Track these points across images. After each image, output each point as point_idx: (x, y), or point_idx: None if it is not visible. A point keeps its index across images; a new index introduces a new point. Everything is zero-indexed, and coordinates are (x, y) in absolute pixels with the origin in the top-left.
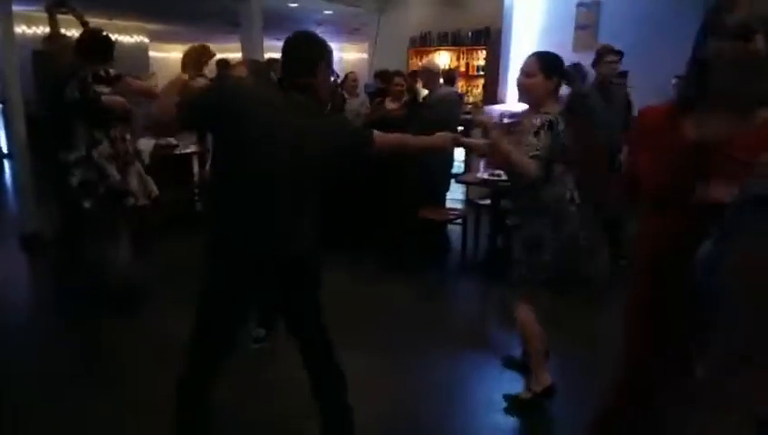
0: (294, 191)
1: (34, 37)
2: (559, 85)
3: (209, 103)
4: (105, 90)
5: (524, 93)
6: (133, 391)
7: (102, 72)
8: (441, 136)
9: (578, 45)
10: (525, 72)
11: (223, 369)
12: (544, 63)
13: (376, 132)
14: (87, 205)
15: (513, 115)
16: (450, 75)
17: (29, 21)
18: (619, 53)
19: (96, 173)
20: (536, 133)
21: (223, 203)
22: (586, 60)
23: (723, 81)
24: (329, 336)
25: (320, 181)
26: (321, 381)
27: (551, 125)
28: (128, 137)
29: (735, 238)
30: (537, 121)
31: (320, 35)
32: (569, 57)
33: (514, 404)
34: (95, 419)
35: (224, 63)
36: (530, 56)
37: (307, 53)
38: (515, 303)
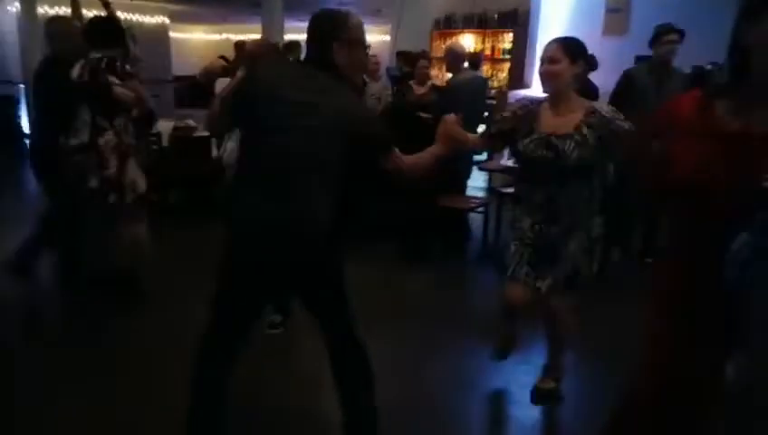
0: (309, 174)
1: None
2: (582, 72)
3: (237, 104)
4: (116, 81)
5: (549, 81)
6: (143, 380)
7: (118, 63)
8: (433, 148)
9: (608, 30)
10: (550, 59)
11: (237, 362)
12: (569, 48)
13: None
14: (83, 192)
15: (528, 102)
16: (475, 59)
17: (52, 2)
18: (680, 32)
19: (96, 162)
20: (576, 128)
21: (240, 188)
22: (616, 45)
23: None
24: (355, 329)
25: (335, 164)
26: (343, 376)
27: (591, 115)
28: (130, 129)
29: None
30: (579, 114)
31: (334, 10)
32: (598, 42)
33: (540, 395)
34: (104, 412)
35: (241, 45)
36: (551, 43)
37: (320, 32)
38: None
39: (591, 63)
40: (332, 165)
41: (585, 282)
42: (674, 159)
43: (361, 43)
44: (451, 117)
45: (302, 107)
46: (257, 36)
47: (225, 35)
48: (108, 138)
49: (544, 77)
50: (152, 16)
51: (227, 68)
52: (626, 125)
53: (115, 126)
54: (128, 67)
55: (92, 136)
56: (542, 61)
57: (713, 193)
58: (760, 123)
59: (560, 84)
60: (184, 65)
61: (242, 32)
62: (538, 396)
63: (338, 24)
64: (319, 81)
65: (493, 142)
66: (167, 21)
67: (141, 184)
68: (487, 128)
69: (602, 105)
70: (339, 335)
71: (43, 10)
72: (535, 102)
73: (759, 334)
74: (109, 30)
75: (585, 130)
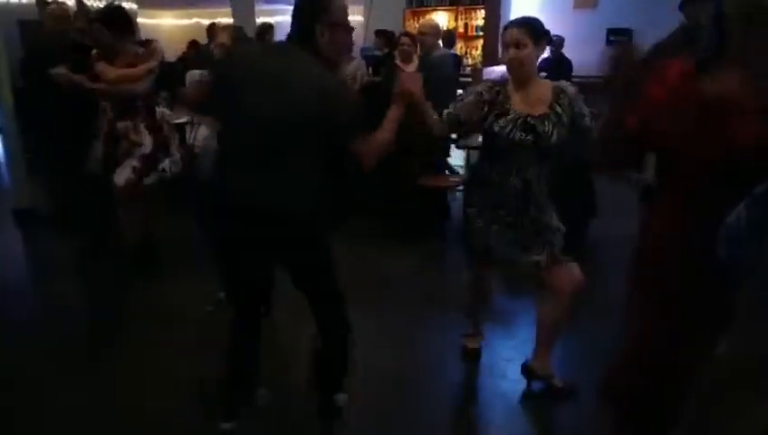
0: (284, 145)
1: (19, 7)
2: (543, 51)
3: (213, 91)
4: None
5: (519, 68)
6: (141, 358)
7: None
8: (393, 108)
9: (578, 3)
10: (516, 43)
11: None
12: (532, 30)
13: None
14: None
15: (493, 83)
16: (449, 36)
17: None
18: None
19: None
20: (551, 106)
21: (222, 163)
22: (587, 18)
23: (736, 34)
24: (338, 297)
25: (314, 140)
26: (324, 334)
27: (559, 95)
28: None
29: None
30: (539, 99)
31: None
32: (570, 15)
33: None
34: (107, 391)
35: (212, 27)
36: (512, 26)
37: (303, 13)
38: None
39: (552, 40)
40: (311, 141)
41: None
42: (657, 128)
43: (344, 25)
44: (409, 74)
45: (276, 85)
46: (228, 20)
47: (195, 20)
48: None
49: (514, 63)
50: (120, 2)
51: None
52: (586, 109)
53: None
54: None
55: (111, 123)
56: (506, 45)
57: (690, 160)
58: (734, 91)
59: (529, 69)
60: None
61: (212, 16)
62: (532, 377)
63: (320, 6)
64: (295, 59)
65: (454, 129)
66: (134, 6)
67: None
68: (449, 112)
69: (567, 85)
70: (325, 311)
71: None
72: (502, 81)
73: (745, 322)
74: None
75: (559, 109)
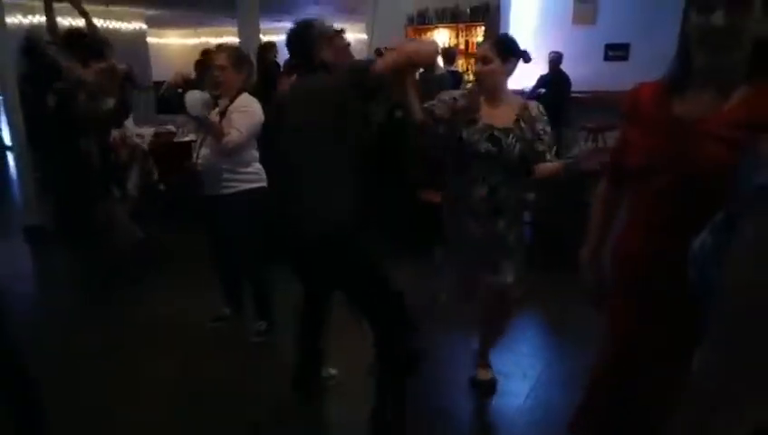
0: (320, 163)
1: (32, 26)
2: (514, 68)
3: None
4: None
5: (484, 80)
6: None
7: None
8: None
9: (577, 19)
10: (482, 58)
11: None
12: (498, 47)
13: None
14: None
15: (460, 97)
16: (449, 54)
17: (25, 10)
18: None
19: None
20: (516, 121)
21: (277, 191)
22: (586, 34)
23: (698, 56)
24: (400, 328)
25: (343, 140)
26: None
27: (524, 111)
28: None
29: (746, 228)
30: (507, 114)
31: (312, 20)
32: (569, 32)
33: (485, 387)
34: (106, 404)
35: (205, 53)
36: (483, 43)
37: (301, 46)
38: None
39: (526, 58)
40: (340, 139)
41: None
42: (630, 146)
43: (331, 37)
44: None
45: (303, 104)
46: (234, 39)
47: (203, 39)
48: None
49: (479, 77)
50: (129, 23)
51: (189, 81)
52: (548, 128)
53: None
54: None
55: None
56: (476, 60)
57: (661, 181)
58: (698, 110)
59: (494, 82)
60: (163, 70)
61: (219, 34)
62: (486, 388)
63: (313, 32)
64: (313, 82)
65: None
66: (144, 27)
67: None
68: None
69: (533, 105)
70: (383, 331)
71: (16, 20)
72: (475, 92)
73: (709, 344)
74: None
75: (522, 125)
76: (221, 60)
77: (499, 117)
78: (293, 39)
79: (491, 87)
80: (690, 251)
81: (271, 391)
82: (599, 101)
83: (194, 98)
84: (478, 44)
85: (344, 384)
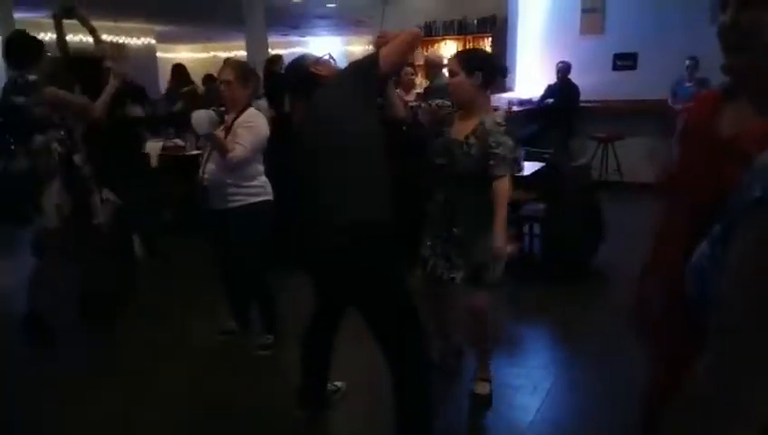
0: (345, 167)
1: (45, 43)
2: (487, 83)
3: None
4: (20, 99)
5: (452, 94)
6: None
7: (19, 79)
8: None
9: (584, 29)
10: (449, 72)
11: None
12: (464, 61)
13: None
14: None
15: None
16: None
17: (37, 27)
18: None
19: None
20: (469, 134)
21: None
22: (593, 44)
23: (724, 58)
24: (418, 349)
25: (365, 143)
26: (399, 399)
27: (481, 128)
28: (57, 148)
29: (742, 240)
30: (468, 127)
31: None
32: (576, 42)
33: (481, 401)
34: (113, 419)
35: (209, 78)
36: (451, 57)
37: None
38: (479, 291)
39: (503, 73)
40: (362, 143)
41: (492, 282)
42: (679, 159)
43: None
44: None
45: (321, 120)
46: (243, 53)
47: (212, 53)
48: (17, 163)
49: (449, 88)
50: (138, 38)
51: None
52: (503, 139)
53: (30, 149)
54: (31, 77)
55: (6, 162)
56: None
57: (693, 196)
58: (739, 123)
59: (460, 94)
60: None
61: (228, 49)
62: (479, 402)
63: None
64: (321, 98)
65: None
66: (153, 42)
67: (66, 208)
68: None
69: (490, 118)
70: (394, 352)
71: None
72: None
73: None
74: (25, 47)
75: (472, 141)
76: (227, 74)
77: (460, 130)
78: (291, 75)
79: (460, 99)
80: (688, 263)
81: (279, 406)
82: (608, 111)
83: (199, 116)
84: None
85: (350, 397)
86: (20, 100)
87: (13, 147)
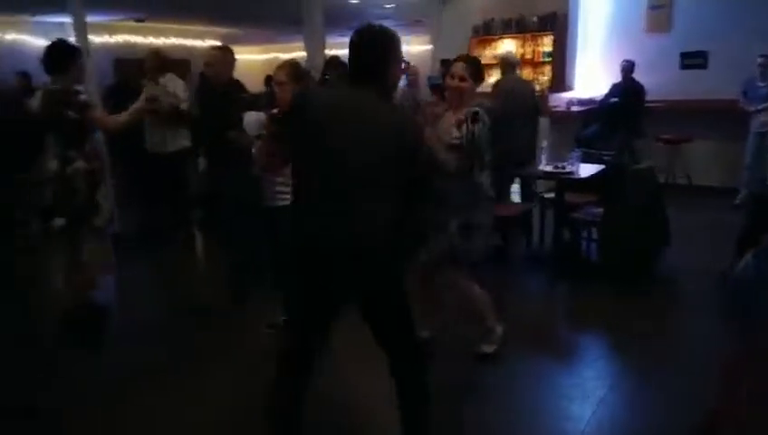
0: (363, 186)
1: (116, 46)
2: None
3: (295, 127)
4: (76, 115)
5: (456, 95)
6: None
7: (72, 95)
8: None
9: (651, 27)
10: (459, 77)
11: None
12: (474, 71)
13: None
14: (59, 223)
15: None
16: (509, 63)
17: (111, 30)
18: None
19: (70, 191)
20: (459, 126)
21: (299, 204)
22: (659, 42)
23: None
24: (416, 348)
25: (390, 177)
26: (402, 393)
27: (475, 117)
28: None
29: None
30: (461, 115)
31: (386, 28)
32: (640, 40)
33: (485, 359)
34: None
35: (270, 79)
36: (458, 63)
37: (374, 52)
38: (453, 274)
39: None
40: (387, 176)
41: (469, 258)
42: None
43: (401, 61)
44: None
45: (354, 125)
46: (303, 54)
47: (273, 54)
48: (76, 165)
49: (451, 90)
50: (204, 41)
51: None
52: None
53: (85, 152)
54: (82, 96)
55: (62, 166)
56: (452, 76)
57: None
58: None
59: (463, 98)
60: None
61: (288, 50)
62: (479, 357)
63: (392, 41)
64: (367, 98)
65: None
66: (218, 44)
67: (107, 209)
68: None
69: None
70: (398, 352)
71: (102, 39)
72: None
73: None
74: (61, 55)
75: (454, 133)
76: (280, 76)
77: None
78: (360, 45)
79: (459, 101)
80: (732, 279)
81: (324, 407)
82: (675, 112)
83: (250, 120)
84: (545, 53)
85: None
86: (75, 115)
87: (68, 152)
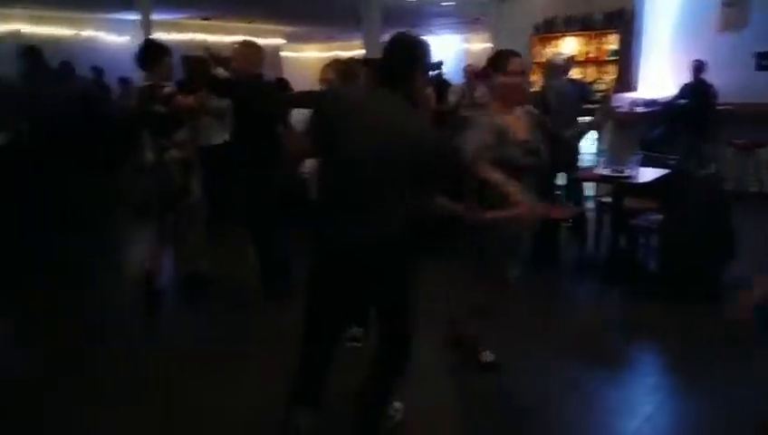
0: (383, 188)
1: (184, 42)
2: None
3: (316, 124)
4: (162, 109)
5: (524, 94)
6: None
7: (158, 88)
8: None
9: (724, 25)
10: (526, 72)
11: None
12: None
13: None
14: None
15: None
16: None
17: (179, 28)
18: None
19: (168, 177)
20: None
21: (324, 203)
22: (732, 41)
23: None
24: (410, 332)
25: (409, 181)
26: (380, 366)
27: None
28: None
29: None
30: (518, 114)
31: (416, 36)
32: (712, 39)
33: (486, 368)
34: (232, 399)
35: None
36: (518, 57)
37: (400, 61)
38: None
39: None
40: (405, 180)
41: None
42: None
43: (427, 68)
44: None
45: (378, 129)
46: (362, 52)
47: (335, 52)
48: (171, 154)
49: (522, 90)
50: (266, 38)
51: None
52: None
53: (176, 141)
54: (167, 89)
55: (159, 155)
56: (521, 73)
57: None
58: None
59: (522, 97)
60: (296, 82)
61: (348, 48)
62: (484, 369)
63: (419, 51)
64: (393, 103)
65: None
66: (280, 42)
67: (197, 191)
68: None
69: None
70: (393, 335)
71: (171, 36)
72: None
73: None
74: (152, 53)
75: (528, 136)
76: (328, 74)
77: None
78: (389, 54)
79: (515, 100)
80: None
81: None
82: (749, 115)
83: (298, 120)
84: (611, 52)
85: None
86: (161, 109)
87: (162, 142)
